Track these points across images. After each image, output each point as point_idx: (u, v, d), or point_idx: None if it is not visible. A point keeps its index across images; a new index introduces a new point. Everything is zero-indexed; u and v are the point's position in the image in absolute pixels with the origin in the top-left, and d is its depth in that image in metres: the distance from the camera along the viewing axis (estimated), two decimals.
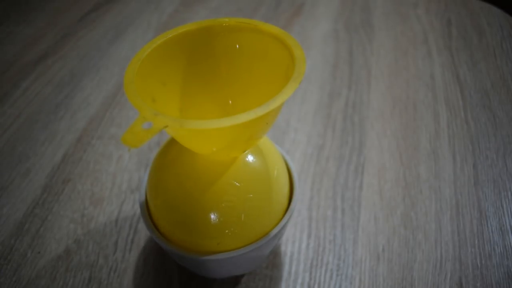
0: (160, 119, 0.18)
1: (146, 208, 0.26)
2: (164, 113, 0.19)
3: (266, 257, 0.28)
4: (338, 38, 0.53)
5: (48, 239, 0.33)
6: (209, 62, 0.25)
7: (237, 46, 0.25)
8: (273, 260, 0.31)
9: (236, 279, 0.30)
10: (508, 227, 0.33)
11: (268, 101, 0.19)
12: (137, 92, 0.20)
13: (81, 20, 0.58)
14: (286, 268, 0.31)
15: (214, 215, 0.23)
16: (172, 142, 0.27)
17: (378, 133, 0.41)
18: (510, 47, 0.51)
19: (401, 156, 0.39)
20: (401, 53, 0.51)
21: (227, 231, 0.24)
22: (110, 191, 0.36)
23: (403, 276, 0.30)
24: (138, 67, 0.21)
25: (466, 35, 0.53)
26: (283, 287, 0.30)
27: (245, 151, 0.25)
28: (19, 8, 0.60)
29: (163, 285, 0.30)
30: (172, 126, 0.18)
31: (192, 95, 0.25)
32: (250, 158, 0.25)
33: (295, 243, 0.32)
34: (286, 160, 0.29)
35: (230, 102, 0.26)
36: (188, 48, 0.24)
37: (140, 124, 0.18)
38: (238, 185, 0.24)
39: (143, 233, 0.33)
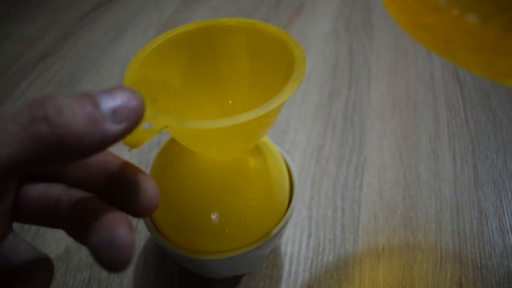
0: (160, 119, 0.18)
1: None
2: (164, 113, 0.19)
3: (266, 257, 0.28)
4: (338, 38, 0.53)
5: (48, 239, 0.33)
6: (209, 62, 0.25)
7: (237, 46, 0.25)
8: (273, 260, 0.31)
9: (236, 279, 0.30)
10: (508, 227, 0.33)
11: (267, 101, 0.19)
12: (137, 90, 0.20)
13: (81, 20, 0.58)
14: (286, 268, 0.31)
15: (214, 215, 0.23)
16: (172, 142, 0.27)
17: (378, 133, 0.41)
18: None
19: (401, 156, 0.39)
20: (401, 53, 0.51)
21: (227, 231, 0.24)
22: None
23: (403, 276, 0.30)
24: (138, 67, 0.21)
25: None
26: (283, 287, 0.30)
27: (245, 151, 0.25)
28: (19, 8, 0.60)
29: (163, 285, 0.30)
30: (172, 126, 0.18)
31: (193, 95, 0.25)
32: (250, 158, 0.25)
33: (295, 243, 0.32)
34: (286, 160, 0.29)
35: (230, 102, 0.26)
36: (188, 48, 0.24)
37: (140, 124, 0.18)
38: (238, 185, 0.24)
39: (143, 233, 0.33)
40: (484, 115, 0.42)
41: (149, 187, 0.16)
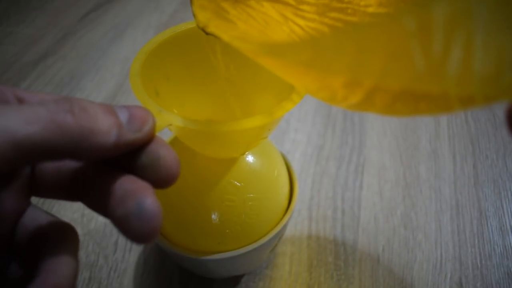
0: (165, 117, 0.18)
1: None
2: (166, 106, 0.18)
3: (266, 257, 0.28)
4: None
5: None
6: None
7: None
8: (273, 260, 0.31)
9: (236, 279, 0.30)
10: (508, 227, 0.33)
11: (271, 109, 0.19)
12: (142, 85, 0.19)
13: (81, 20, 0.58)
14: (286, 268, 0.31)
15: (215, 214, 0.23)
16: (173, 141, 0.27)
17: (378, 133, 0.41)
18: None
19: (401, 156, 0.39)
20: None
21: (227, 230, 0.24)
22: None
23: (403, 276, 0.30)
24: (144, 60, 0.21)
25: None
26: (283, 287, 0.30)
27: (246, 151, 0.25)
28: (19, 8, 0.60)
29: (163, 285, 0.30)
30: (175, 125, 0.18)
31: (195, 90, 0.25)
32: (250, 158, 0.25)
33: (295, 243, 0.32)
34: (286, 160, 0.29)
35: (232, 100, 0.26)
36: (195, 43, 0.24)
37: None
38: (239, 184, 0.24)
39: None
40: (484, 115, 0.42)
41: (169, 154, 0.15)
